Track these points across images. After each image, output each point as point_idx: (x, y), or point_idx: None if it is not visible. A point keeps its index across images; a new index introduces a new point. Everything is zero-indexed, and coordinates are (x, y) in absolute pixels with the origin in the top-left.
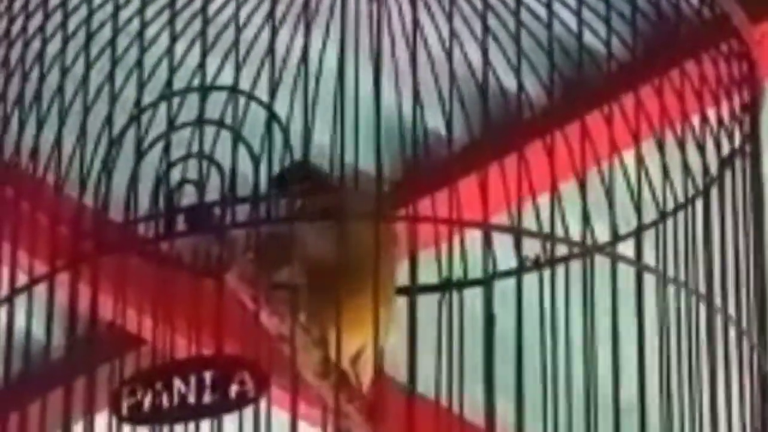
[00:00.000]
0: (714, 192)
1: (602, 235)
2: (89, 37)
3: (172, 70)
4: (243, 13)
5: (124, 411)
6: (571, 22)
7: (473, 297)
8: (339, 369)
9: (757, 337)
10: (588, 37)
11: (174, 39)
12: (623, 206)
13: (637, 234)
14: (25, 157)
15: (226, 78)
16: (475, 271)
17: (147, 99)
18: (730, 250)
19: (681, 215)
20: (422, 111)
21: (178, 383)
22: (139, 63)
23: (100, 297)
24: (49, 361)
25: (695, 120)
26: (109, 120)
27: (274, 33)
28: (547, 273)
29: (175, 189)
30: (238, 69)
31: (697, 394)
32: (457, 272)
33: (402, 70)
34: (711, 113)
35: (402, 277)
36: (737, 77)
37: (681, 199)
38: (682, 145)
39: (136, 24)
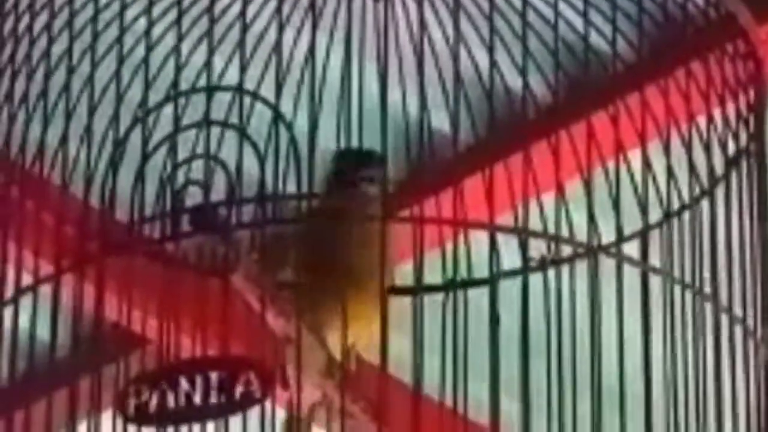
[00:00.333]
0: (720, 192)
1: (608, 235)
2: (95, 36)
3: (179, 70)
4: (249, 13)
5: (130, 411)
6: (577, 22)
7: (478, 297)
8: (344, 369)
9: (762, 336)
10: (594, 37)
11: (180, 38)
12: (629, 207)
13: (643, 234)
14: (30, 157)
15: (232, 78)
16: (480, 272)
17: (153, 98)
18: (735, 250)
19: (687, 215)
20: (427, 111)
21: (183, 383)
22: (145, 62)
23: (106, 297)
24: (54, 361)
25: (701, 120)
26: (115, 120)
27: (280, 33)
28: (552, 273)
29: (181, 189)
30: (243, 69)
31: (702, 392)
32: (462, 272)
33: (407, 70)
34: (717, 113)
35: (407, 278)
36: (743, 77)
37: (686, 199)
38: (687, 145)
39: (142, 23)
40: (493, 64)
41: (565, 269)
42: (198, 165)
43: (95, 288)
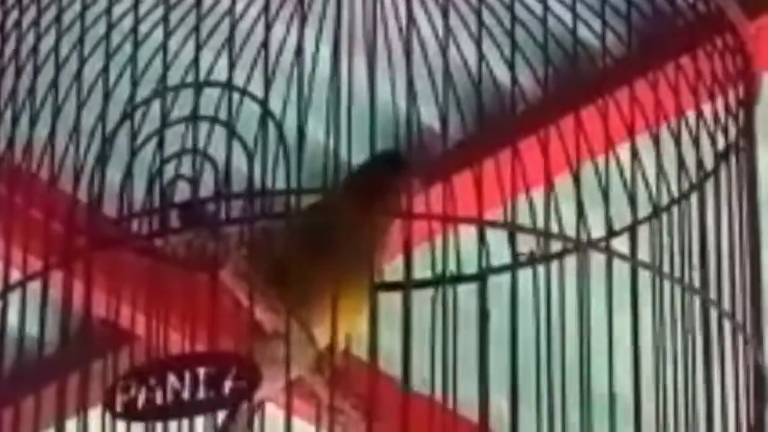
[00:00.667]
0: (709, 187)
1: (597, 230)
2: (83, 32)
3: (166, 66)
4: (237, 8)
5: (118, 407)
6: (566, 16)
7: (467, 293)
8: (334, 365)
9: (752, 332)
10: (582, 32)
11: (168, 34)
12: (618, 201)
13: (632, 229)
14: (18, 153)
15: (221, 73)
16: (470, 267)
17: (141, 94)
18: (725, 245)
19: (675, 210)
20: (416, 106)
21: (172, 379)
22: (133, 58)
23: (94, 293)
24: (43, 358)
25: (690, 114)
26: (102, 115)
27: (268, 28)
28: (541, 268)
29: (169, 185)
30: (232, 64)
31: (691, 388)
32: (451, 268)
33: (396, 64)
34: (706, 108)
35: (396, 273)
36: (732, 72)
37: (675, 193)
38: (676, 139)
39: (130, 19)
40: (481, 58)
41: (554, 264)
42: (187, 161)
43: (83, 284)
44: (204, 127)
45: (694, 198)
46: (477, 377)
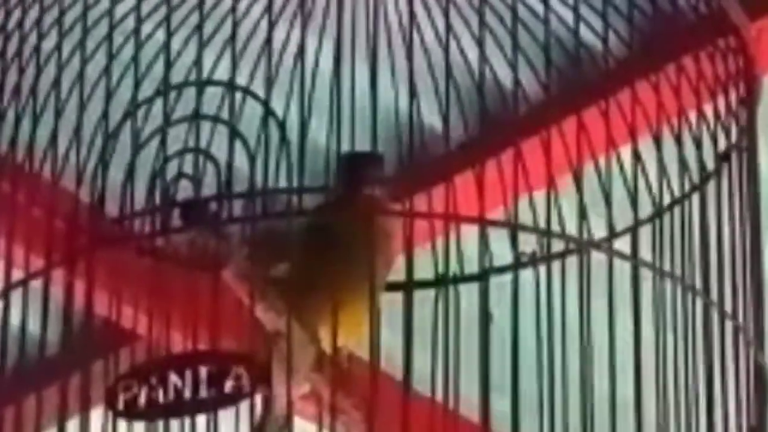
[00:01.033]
0: (710, 187)
1: (598, 230)
2: (85, 31)
3: (169, 65)
4: (240, 8)
5: (120, 406)
6: (568, 17)
7: (469, 293)
8: (336, 364)
9: (753, 332)
10: (585, 33)
11: (170, 34)
12: (619, 202)
13: (634, 229)
14: (21, 152)
15: (223, 73)
16: (471, 267)
17: (143, 94)
18: (726, 245)
19: (677, 210)
20: (418, 106)
21: (173, 378)
22: (135, 58)
23: (96, 292)
24: (45, 357)
25: (692, 115)
26: (105, 114)
27: (271, 28)
28: (543, 269)
29: (171, 184)
30: (234, 64)
31: (693, 389)
32: (453, 268)
33: (398, 65)
34: (708, 109)
35: (398, 273)
36: (734, 73)
37: (677, 194)
38: (678, 140)
39: (132, 19)
40: (483, 59)
41: (556, 264)
42: (189, 160)
43: (85, 283)
44: (206, 127)
45: (695, 198)
46: (479, 377)
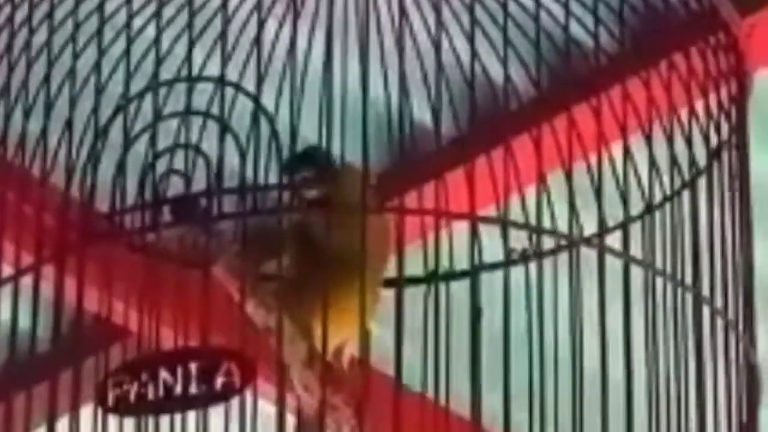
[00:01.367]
0: (701, 184)
1: (589, 227)
2: (76, 27)
3: (159, 61)
4: (230, 4)
5: (110, 402)
6: (559, 13)
7: (460, 289)
8: (325, 360)
9: (743, 329)
10: (575, 29)
11: (161, 30)
12: (610, 198)
13: (624, 226)
14: (11, 148)
15: (213, 69)
16: (462, 264)
17: (134, 90)
18: (717, 242)
19: (668, 207)
20: (409, 102)
21: (164, 374)
22: (126, 54)
23: (86, 288)
24: (35, 353)
25: (683, 112)
26: (95, 110)
27: (261, 24)
28: (534, 265)
29: (162, 179)
30: (225, 60)
31: (684, 384)
32: (444, 264)
33: (389, 61)
34: (699, 106)
35: (389, 269)
36: (725, 70)
37: (668, 191)
38: (669, 137)
39: (123, 15)
40: (474, 55)
41: (547, 261)
42: (180, 156)
43: (76, 279)
44: (197, 123)
45: (686, 195)
46: (469, 373)
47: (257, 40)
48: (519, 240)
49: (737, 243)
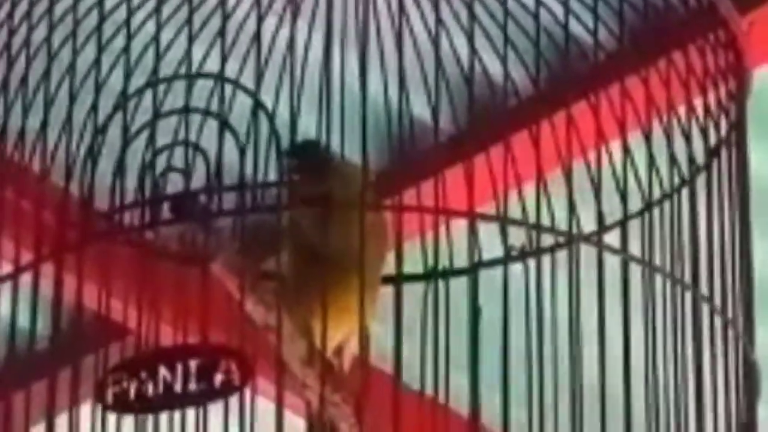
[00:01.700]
0: (700, 181)
1: (588, 224)
2: (76, 23)
3: (159, 58)
4: (230, 0)
5: (109, 399)
6: (558, 11)
7: (458, 287)
8: (324, 358)
9: (742, 327)
10: (574, 27)
11: (160, 26)
12: (609, 196)
13: (623, 224)
14: (10, 144)
15: (213, 66)
16: (461, 261)
17: (133, 86)
18: (716, 240)
19: (667, 205)
20: (408, 100)
21: (163, 371)
22: (126, 50)
23: (85, 286)
24: (34, 351)
25: (682, 110)
26: (94, 107)
27: (260, 21)
28: (532, 262)
29: (161, 177)
30: (224, 57)
31: (682, 383)
32: (443, 262)
33: (388, 58)
34: (698, 103)
35: (388, 267)
36: (724, 67)
37: (667, 188)
38: (668, 134)
39: (122, 11)
40: (473, 53)
41: (545, 258)
42: (179, 153)
43: (75, 276)
44: (196, 120)
45: (685, 193)
46: (468, 371)
47: (257, 37)
48: (518, 237)
49: (736, 241)
